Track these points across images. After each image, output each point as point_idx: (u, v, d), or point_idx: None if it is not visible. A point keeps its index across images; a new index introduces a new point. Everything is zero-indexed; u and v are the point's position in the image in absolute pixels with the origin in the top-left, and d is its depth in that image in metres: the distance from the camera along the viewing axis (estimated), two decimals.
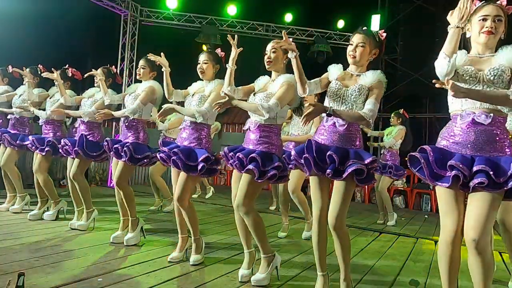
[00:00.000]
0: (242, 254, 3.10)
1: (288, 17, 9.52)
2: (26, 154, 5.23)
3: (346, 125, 2.17)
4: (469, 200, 1.79)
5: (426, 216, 6.41)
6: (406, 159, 1.97)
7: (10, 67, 4.40)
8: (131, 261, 2.74)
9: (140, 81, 3.33)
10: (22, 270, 2.03)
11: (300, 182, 3.90)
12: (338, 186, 2.16)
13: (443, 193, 1.83)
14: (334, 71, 2.37)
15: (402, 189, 7.66)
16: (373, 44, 2.22)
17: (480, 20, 1.83)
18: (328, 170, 2.08)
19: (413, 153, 1.87)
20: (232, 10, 9.10)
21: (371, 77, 2.19)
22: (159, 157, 2.84)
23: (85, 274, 2.35)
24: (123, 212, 3.32)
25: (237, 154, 2.39)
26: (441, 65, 1.77)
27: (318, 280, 2.28)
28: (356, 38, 2.20)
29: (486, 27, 1.80)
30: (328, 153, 2.09)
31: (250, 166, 2.33)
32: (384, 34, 2.28)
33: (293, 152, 2.26)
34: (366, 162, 2.08)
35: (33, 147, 3.84)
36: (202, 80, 2.91)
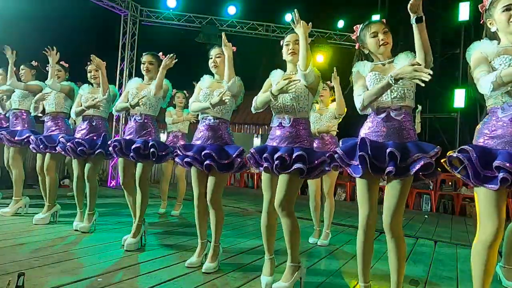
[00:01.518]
0: (242, 254, 3.10)
1: (288, 17, 9.52)
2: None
3: (402, 115, 2.00)
4: None
5: (426, 216, 6.41)
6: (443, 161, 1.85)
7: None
8: (131, 261, 2.74)
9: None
10: (22, 270, 2.03)
11: (334, 184, 3.76)
12: (395, 185, 1.97)
13: (484, 195, 1.72)
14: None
15: None
16: (390, 30, 2.13)
17: (503, 11, 1.77)
18: (390, 168, 1.87)
19: (454, 154, 1.75)
20: (232, 10, 9.11)
21: (405, 58, 2.03)
22: (181, 162, 2.71)
23: (85, 274, 2.35)
24: (136, 214, 3.21)
25: (279, 155, 2.23)
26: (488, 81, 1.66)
27: None
28: (378, 26, 2.09)
29: None
30: (388, 150, 1.88)
31: (299, 165, 2.20)
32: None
33: (340, 151, 2.04)
34: (432, 154, 1.89)
35: (41, 146, 3.67)
36: (211, 75, 2.84)
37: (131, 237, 3.04)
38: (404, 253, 2.01)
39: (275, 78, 2.46)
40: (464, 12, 8.09)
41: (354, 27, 2.27)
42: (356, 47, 2.26)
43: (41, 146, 3.69)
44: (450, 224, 5.86)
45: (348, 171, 2.07)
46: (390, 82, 1.87)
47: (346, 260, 3.15)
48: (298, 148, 2.29)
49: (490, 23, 1.87)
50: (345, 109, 3.68)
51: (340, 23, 9.61)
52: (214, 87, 2.75)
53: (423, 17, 1.78)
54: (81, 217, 3.61)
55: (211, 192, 2.64)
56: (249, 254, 3.11)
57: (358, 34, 2.20)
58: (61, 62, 3.93)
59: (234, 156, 2.58)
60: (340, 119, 3.79)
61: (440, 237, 4.55)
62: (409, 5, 1.75)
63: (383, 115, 2.02)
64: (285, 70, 2.52)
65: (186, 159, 2.64)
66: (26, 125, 4.09)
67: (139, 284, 2.28)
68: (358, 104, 2.03)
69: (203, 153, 2.57)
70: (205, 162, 2.56)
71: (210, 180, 2.66)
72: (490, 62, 1.78)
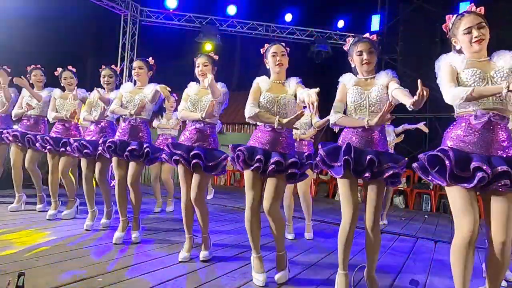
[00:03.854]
0: (242, 254, 3.11)
1: (288, 17, 9.53)
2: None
3: (379, 127, 2.25)
4: (493, 201, 1.82)
5: (426, 216, 6.41)
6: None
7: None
8: (131, 261, 2.74)
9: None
10: (22, 270, 2.03)
11: (309, 184, 3.94)
12: (373, 188, 2.24)
13: (459, 194, 1.85)
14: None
15: (402, 189, 7.66)
16: (377, 49, 2.33)
17: (465, 33, 1.93)
18: (367, 174, 2.14)
19: (434, 153, 1.88)
20: (232, 10, 9.11)
21: (385, 76, 2.27)
22: (168, 158, 2.84)
23: (85, 274, 2.35)
24: (124, 212, 3.34)
25: (276, 160, 2.35)
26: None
27: (338, 278, 2.34)
28: (364, 46, 2.27)
29: (475, 36, 1.90)
30: (369, 158, 2.12)
31: (293, 170, 2.39)
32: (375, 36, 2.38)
33: (322, 152, 2.25)
34: (401, 165, 2.18)
35: (48, 147, 3.87)
36: (198, 82, 2.95)
37: (134, 229, 3.28)
38: (379, 244, 2.28)
39: (264, 86, 2.58)
40: None
41: (347, 39, 2.44)
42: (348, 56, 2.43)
43: (61, 149, 3.87)
44: (450, 224, 5.86)
45: (330, 172, 2.29)
46: (366, 126, 2.18)
47: None
48: (290, 155, 2.45)
49: (455, 42, 2.02)
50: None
51: (340, 23, 9.61)
52: (202, 94, 2.88)
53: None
54: (92, 218, 3.71)
55: (195, 191, 2.79)
56: (249, 253, 3.10)
57: (348, 48, 2.39)
58: (37, 66, 4.20)
59: (220, 159, 2.76)
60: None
61: (440, 237, 4.56)
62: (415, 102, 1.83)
63: (362, 128, 2.24)
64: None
65: (174, 157, 2.79)
66: (44, 130, 4.25)
67: (139, 284, 2.28)
68: (332, 119, 2.30)
69: (192, 153, 2.71)
70: (193, 161, 2.71)
71: (194, 179, 2.80)
72: (458, 74, 1.93)
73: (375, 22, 9.51)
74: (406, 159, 2.22)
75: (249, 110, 2.49)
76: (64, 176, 3.95)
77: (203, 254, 2.86)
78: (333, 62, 9.35)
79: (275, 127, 2.43)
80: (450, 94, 1.85)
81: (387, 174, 2.13)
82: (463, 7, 8.05)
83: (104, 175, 3.60)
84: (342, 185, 2.27)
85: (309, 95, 2.11)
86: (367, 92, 2.25)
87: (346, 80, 2.36)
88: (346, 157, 2.14)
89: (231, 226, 4.31)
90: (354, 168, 2.17)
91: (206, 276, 2.53)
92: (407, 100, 1.93)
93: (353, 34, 9.58)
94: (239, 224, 4.52)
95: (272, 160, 2.36)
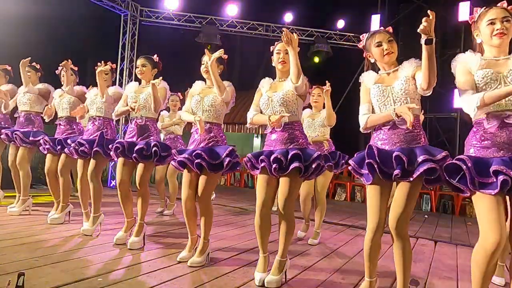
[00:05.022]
0: (242, 254, 3.11)
1: (288, 17, 9.52)
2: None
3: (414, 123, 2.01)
4: None
5: (426, 216, 6.41)
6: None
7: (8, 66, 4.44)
8: (131, 261, 2.74)
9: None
10: (22, 270, 2.03)
11: (327, 186, 3.82)
12: (403, 187, 2.00)
13: (484, 203, 1.74)
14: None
15: None
16: (395, 39, 2.20)
17: (488, 24, 1.87)
18: (397, 171, 1.92)
19: (453, 162, 1.81)
20: (232, 10, 9.10)
21: (409, 66, 2.09)
22: (174, 163, 2.83)
23: (85, 274, 2.35)
24: (129, 213, 3.25)
25: (274, 156, 2.31)
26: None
27: (362, 284, 2.23)
28: (382, 36, 2.14)
29: (497, 29, 1.84)
30: (394, 154, 1.94)
31: (296, 164, 2.28)
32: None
33: (352, 163, 2.13)
34: (438, 158, 1.91)
35: (59, 148, 3.73)
36: (204, 80, 2.94)
37: (135, 236, 3.08)
38: (409, 253, 2.05)
39: (265, 87, 2.58)
40: (464, 12, 8.10)
41: (361, 36, 2.32)
42: (364, 55, 2.30)
43: (58, 148, 3.75)
44: (450, 224, 5.86)
45: (362, 180, 2.17)
46: (393, 117, 1.99)
47: (346, 260, 3.15)
48: (292, 148, 2.37)
49: (477, 35, 1.97)
50: (335, 121, 3.68)
51: (340, 23, 9.60)
52: (205, 93, 2.85)
53: (434, 39, 1.80)
54: (85, 219, 3.60)
55: (201, 191, 2.73)
56: (249, 253, 3.12)
57: (364, 43, 2.25)
58: (33, 64, 4.16)
59: (223, 156, 2.67)
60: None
61: (440, 237, 4.56)
62: (421, 27, 1.77)
63: (389, 126, 2.08)
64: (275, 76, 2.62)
65: (179, 159, 2.75)
66: (37, 127, 4.18)
67: (139, 284, 2.28)
68: (361, 123, 2.15)
69: (194, 153, 2.68)
70: (196, 161, 2.66)
71: (201, 179, 2.74)
72: (473, 75, 1.87)
73: (375, 22, 9.49)
74: (446, 152, 1.95)
75: (248, 118, 2.54)
76: (62, 174, 3.76)
77: (194, 260, 2.72)
78: (333, 62, 9.35)
79: (269, 125, 2.42)
80: (465, 104, 1.80)
81: (421, 170, 1.88)
82: (463, 7, 8.05)
83: (98, 173, 3.46)
84: (369, 192, 2.11)
85: None
86: (390, 88, 2.08)
87: (366, 80, 2.22)
88: (369, 160, 2.00)
89: (231, 226, 4.31)
90: (381, 171, 1.98)
91: (206, 276, 2.53)
92: (425, 72, 1.84)
93: (353, 34, 9.58)
94: (239, 224, 4.52)
95: (271, 158, 2.33)
